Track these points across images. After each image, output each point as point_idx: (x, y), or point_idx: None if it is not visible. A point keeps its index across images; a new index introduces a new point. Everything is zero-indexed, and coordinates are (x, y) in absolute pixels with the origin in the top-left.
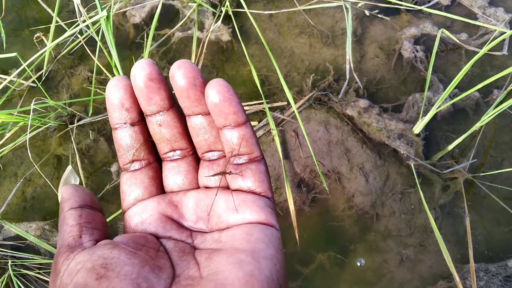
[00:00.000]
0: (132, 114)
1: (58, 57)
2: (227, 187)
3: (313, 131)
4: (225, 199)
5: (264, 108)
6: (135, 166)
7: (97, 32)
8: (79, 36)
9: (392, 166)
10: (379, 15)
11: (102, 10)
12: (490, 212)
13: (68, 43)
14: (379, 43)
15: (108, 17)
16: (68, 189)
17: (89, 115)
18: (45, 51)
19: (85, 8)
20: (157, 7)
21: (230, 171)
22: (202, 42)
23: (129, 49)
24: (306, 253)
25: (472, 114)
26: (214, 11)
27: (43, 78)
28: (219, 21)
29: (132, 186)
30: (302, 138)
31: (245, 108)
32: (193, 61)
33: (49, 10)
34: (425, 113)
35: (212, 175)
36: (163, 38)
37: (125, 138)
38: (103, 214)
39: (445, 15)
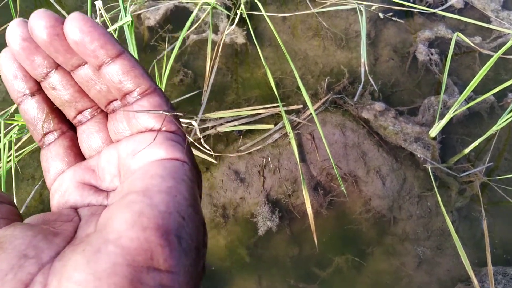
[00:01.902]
0: (28, 83)
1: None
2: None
3: (329, 134)
4: (127, 145)
5: (280, 111)
6: (49, 139)
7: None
8: None
9: (409, 170)
10: (392, 18)
11: (126, 15)
12: (507, 215)
13: None
14: (393, 46)
15: (132, 22)
16: None
17: None
18: None
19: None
20: (171, 10)
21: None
22: (217, 45)
23: (144, 51)
24: (323, 256)
25: (487, 117)
26: (229, 13)
27: None
28: (234, 24)
29: (49, 160)
30: (318, 141)
31: (261, 111)
32: (208, 64)
33: (64, 12)
34: (441, 116)
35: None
36: (178, 41)
37: (29, 110)
38: (13, 205)
39: (459, 18)
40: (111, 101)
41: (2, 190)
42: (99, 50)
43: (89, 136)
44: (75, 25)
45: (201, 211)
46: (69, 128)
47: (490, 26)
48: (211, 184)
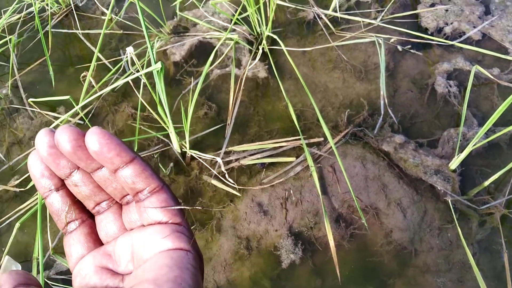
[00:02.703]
0: (54, 180)
1: (103, 95)
2: (143, 225)
3: (350, 166)
4: (139, 236)
5: (301, 144)
6: (71, 227)
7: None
8: (129, 80)
9: (429, 202)
10: (411, 50)
11: (156, 62)
12: None
13: (112, 80)
14: (411, 78)
15: (161, 69)
16: (3, 276)
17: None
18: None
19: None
20: (195, 45)
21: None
22: (240, 79)
23: (169, 85)
24: None
25: (506, 148)
26: (251, 48)
27: (90, 116)
28: (257, 59)
29: (72, 247)
30: (339, 173)
31: (282, 144)
32: (231, 98)
33: (92, 48)
34: (461, 149)
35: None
36: (202, 75)
37: (54, 203)
38: (40, 287)
39: (477, 50)
40: (125, 195)
41: (38, 222)
42: (115, 157)
43: (106, 224)
44: (95, 139)
45: None
46: (88, 217)
47: (508, 57)
48: (235, 216)
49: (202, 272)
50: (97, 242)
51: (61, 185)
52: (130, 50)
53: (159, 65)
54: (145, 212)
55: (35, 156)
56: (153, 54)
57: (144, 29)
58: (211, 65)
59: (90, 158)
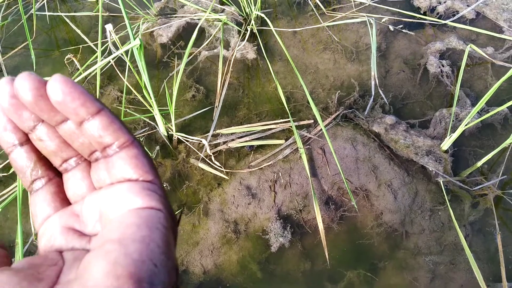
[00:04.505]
0: (17, 134)
1: (88, 78)
2: (112, 183)
3: (340, 148)
4: (107, 195)
5: (291, 127)
6: (37, 185)
7: (126, 52)
8: (111, 60)
9: (421, 183)
10: (403, 30)
11: (134, 39)
12: None
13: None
14: (403, 58)
15: (140, 45)
16: None
17: None
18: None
19: (114, 29)
20: (183, 27)
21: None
22: (228, 61)
23: (157, 68)
24: (335, 271)
25: (501, 128)
26: (240, 29)
27: None
28: (245, 40)
29: (37, 206)
30: (329, 155)
31: (272, 126)
32: (219, 80)
33: (78, 31)
34: (453, 129)
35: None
36: (190, 57)
37: (18, 159)
38: (3, 248)
39: (470, 29)
40: (94, 151)
41: (18, 206)
42: (79, 108)
43: (74, 183)
44: (57, 87)
45: (173, 257)
46: (55, 175)
47: (503, 36)
48: (223, 199)
49: (175, 234)
50: (65, 201)
51: (26, 140)
52: (109, 27)
53: (137, 41)
54: (113, 169)
55: None
56: (131, 29)
57: (121, 4)
58: (199, 46)
59: (54, 109)
